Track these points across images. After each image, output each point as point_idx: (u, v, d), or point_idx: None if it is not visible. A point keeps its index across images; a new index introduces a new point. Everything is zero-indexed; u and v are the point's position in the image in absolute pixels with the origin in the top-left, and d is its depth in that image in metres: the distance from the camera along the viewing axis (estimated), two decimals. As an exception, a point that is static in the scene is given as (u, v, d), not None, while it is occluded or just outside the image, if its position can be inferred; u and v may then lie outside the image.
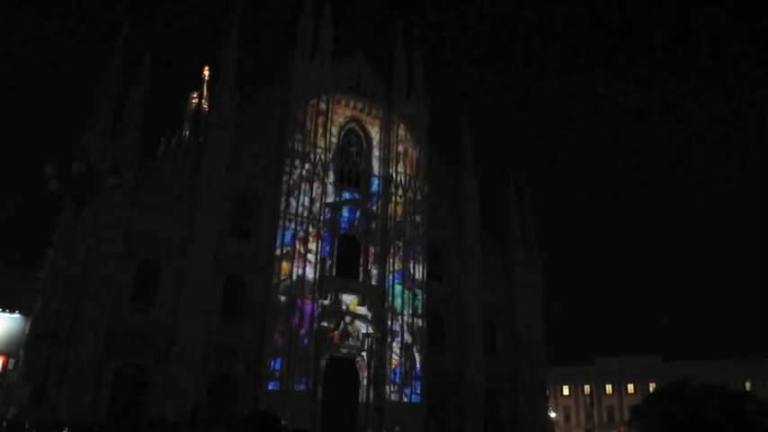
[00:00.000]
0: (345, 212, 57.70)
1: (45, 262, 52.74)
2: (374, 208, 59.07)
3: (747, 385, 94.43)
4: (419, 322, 56.59)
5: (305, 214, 53.78)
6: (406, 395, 53.71)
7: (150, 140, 56.91)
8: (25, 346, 47.14)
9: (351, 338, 53.77)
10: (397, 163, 60.83)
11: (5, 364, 55.55)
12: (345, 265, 56.19)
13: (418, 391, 54.57)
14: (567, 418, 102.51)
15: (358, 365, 53.88)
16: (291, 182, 54.09)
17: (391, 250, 57.58)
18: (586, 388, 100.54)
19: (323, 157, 56.39)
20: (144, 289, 47.67)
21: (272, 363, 48.81)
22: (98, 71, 51.88)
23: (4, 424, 32.16)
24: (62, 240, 43.96)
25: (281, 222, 52.69)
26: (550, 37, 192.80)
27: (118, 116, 49.80)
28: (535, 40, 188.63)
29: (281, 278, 51.28)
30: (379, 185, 60.20)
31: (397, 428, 51.51)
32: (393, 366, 54.18)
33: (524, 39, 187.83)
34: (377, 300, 55.84)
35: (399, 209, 59.28)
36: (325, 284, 53.27)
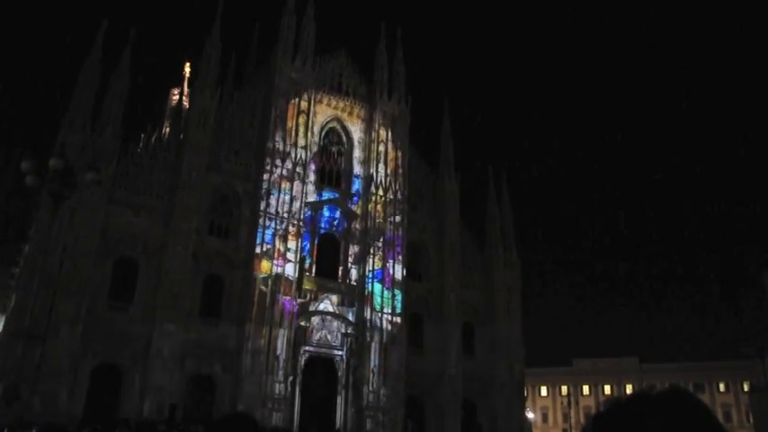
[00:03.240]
0: (326, 212, 57.66)
1: (20, 258, 52.00)
2: (354, 208, 59.07)
3: (722, 386, 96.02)
4: (398, 322, 56.68)
5: (285, 213, 53.59)
6: (384, 394, 53.75)
7: (130, 137, 56.15)
8: (-2, 343, 46.37)
9: (329, 338, 53.75)
10: (378, 163, 60.85)
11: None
12: (325, 264, 56.18)
13: (397, 391, 54.59)
14: (544, 418, 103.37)
15: (336, 365, 53.85)
16: (272, 181, 53.91)
17: (371, 250, 57.61)
18: (564, 389, 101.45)
19: (303, 156, 56.23)
20: (121, 287, 47.20)
21: (251, 362, 48.61)
22: (77, 64, 51.13)
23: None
24: (38, 237, 43.36)
25: (260, 221, 52.46)
26: (534, 37, 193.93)
27: (97, 111, 49.22)
28: (520, 41, 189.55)
29: (261, 277, 51.10)
30: (359, 185, 60.22)
31: (374, 427, 51.55)
32: (372, 366, 54.20)
33: (508, 39, 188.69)
34: (356, 299, 55.85)
35: (379, 209, 59.31)
36: (304, 283, 53.14)
